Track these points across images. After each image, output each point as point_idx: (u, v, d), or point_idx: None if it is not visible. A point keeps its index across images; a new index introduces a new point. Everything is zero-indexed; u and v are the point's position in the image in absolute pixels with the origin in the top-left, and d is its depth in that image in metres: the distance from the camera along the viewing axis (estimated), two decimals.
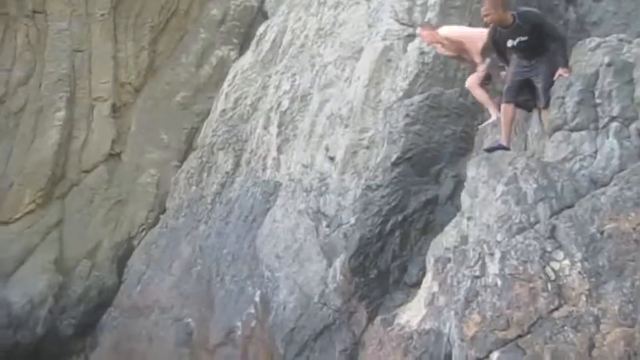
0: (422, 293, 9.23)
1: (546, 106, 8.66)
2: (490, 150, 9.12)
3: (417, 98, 11.41)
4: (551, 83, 8.64)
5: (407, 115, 11.27)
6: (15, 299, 17.14)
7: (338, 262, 11.00)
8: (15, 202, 18.10)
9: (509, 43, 9.02)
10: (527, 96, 9.16)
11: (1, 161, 18.29)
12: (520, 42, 8.90)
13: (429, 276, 9.17)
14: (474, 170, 8.93)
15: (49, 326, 17.23)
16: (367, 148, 11.61)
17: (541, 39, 8.87)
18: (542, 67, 8.84)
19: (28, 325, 17.05)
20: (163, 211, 17.72)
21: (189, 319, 14.01)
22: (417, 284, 9.96)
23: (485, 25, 9.42)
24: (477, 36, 10.36)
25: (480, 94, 10.51)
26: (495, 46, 9.38)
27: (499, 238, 7.82)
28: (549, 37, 8.89)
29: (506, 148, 9.07)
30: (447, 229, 9.38)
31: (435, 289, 8.86)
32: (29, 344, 16.98)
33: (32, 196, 18.13)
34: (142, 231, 18.37)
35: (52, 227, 18.23)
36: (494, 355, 7.36)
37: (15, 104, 18.64)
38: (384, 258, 10.77)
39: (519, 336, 7.26)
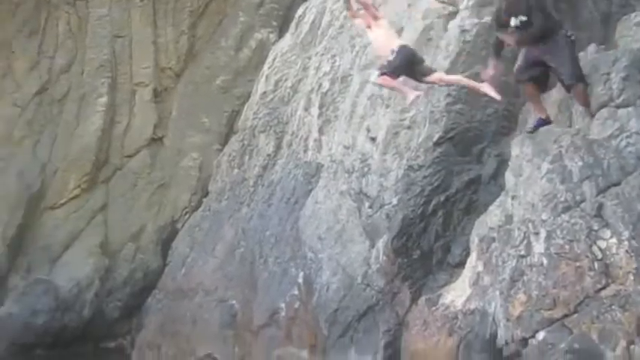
0: (466, 273, 9.20)
1: (573, 82, 8.45)
2: (533, 130, 8.99)
3: None
4: (572, 60, 8.43)
5: (448, 95, 11.15)
6: (62, 283, 17.46)
7: (381, 243, 10.99)
8: (60, 188, 18.40)
9: (513, 21, 8.70)
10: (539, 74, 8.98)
11: (46, 148, 18.59)
12: (522, 22, 8.62)
13: (473, 256, 9.14)
14: (518, 149, 8.85)
15: (96, 309, 17.54)
16: (409, 128, 11.54)
17: (545, 22, 8.62)
18: (555, 49, 8.59)
19: (75, 308, 17.38)
20: (206, 194, 17.82)
21: (233, 301, 14.10)
22: (461, 264, 9.92)
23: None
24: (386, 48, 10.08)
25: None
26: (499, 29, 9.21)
27: (544, 217, 7.76)
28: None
29: (547, 122, 8.90)
30: (491, 208, 9.31)
31: (480, 268, 8.84)
32: (76, 327, 17.32)
33: (77, 182, 18.41)
34: (186, 214, 18.53)
35: (97, 211, 18.50)
36: (540, 334, 7.34)
37: (58, 91, 18.90)
38: (426, 238, 10.73)
39: (566, 315, 7.23)
